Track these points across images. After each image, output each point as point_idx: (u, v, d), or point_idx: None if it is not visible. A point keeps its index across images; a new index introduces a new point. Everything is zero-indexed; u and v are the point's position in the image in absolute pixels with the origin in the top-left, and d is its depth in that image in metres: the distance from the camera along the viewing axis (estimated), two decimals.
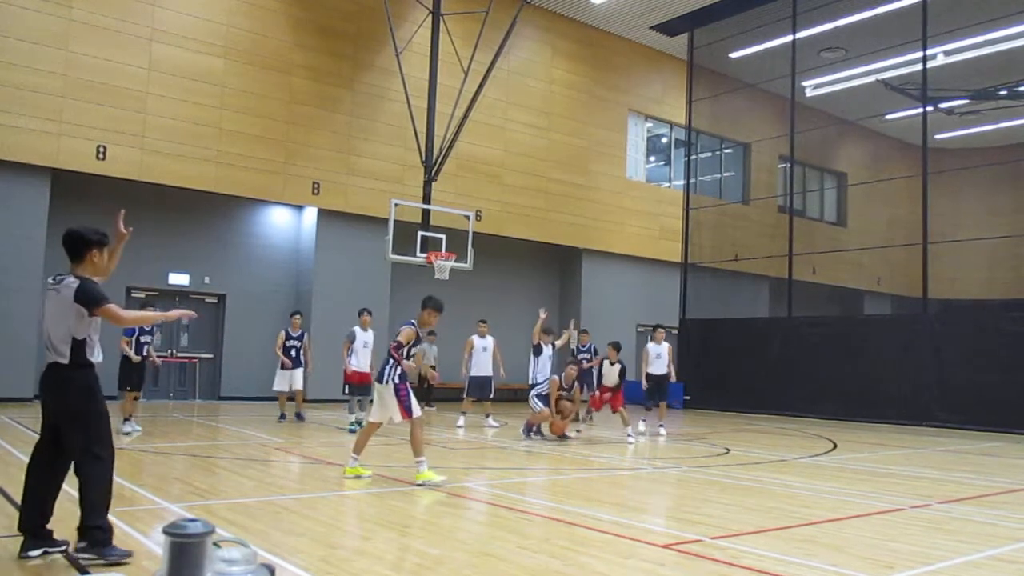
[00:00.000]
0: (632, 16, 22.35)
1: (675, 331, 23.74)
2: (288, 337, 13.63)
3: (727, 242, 22.83)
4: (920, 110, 19.81)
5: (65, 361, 4.45)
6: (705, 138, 24.68)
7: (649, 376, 13.76)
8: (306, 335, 13.88)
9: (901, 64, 21.42)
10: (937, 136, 25.59)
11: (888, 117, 25.30)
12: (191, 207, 17.59)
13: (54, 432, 4.54)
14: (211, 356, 18.29)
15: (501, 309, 21.76)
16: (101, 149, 15.65)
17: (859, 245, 24.72)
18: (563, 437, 11.97)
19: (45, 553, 4.39)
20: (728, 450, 11.59)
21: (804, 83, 22.76)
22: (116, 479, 7.08)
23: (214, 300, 18.41)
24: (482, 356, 13.87)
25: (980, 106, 24.75)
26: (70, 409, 4.46)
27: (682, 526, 6.00)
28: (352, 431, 11.81)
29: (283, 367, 13.51)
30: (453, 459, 9.73)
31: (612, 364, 12.75)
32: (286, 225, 19.24)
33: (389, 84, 18.82)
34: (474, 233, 16.96)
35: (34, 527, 4.42)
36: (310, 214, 18.91)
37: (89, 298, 4.46)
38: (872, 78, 22.79)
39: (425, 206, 16.72)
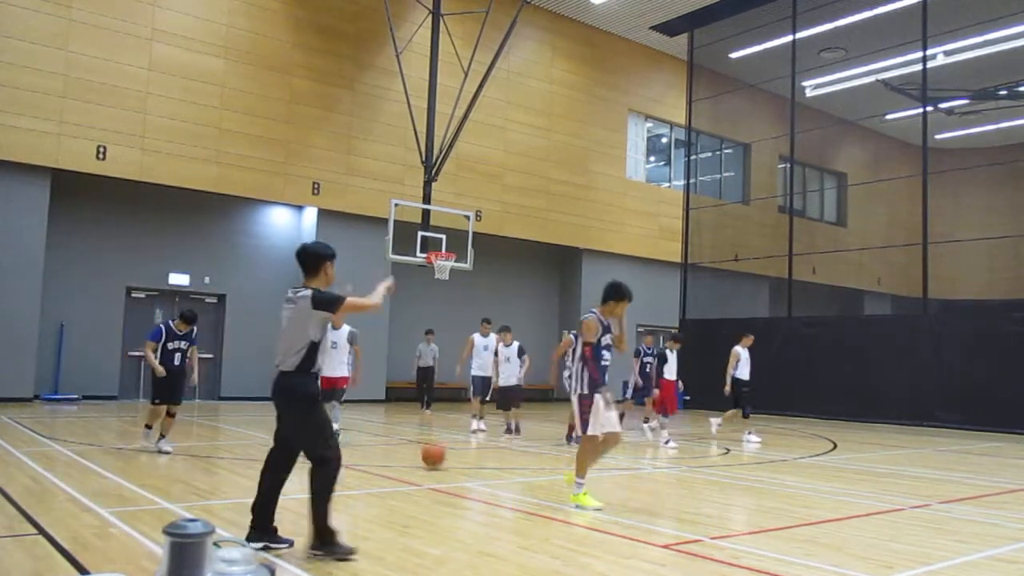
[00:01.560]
0: (632, 16, 22.35)
1: (675, 331, 23.74)
2: None
3: (727, 242, 22.82)
4: (920, 110, 19.81)
5: (292, 369, 4.78)
6: (705, 138, 24.68)
7: (737, 381, 13.09)
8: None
9: (901, 64, 21.42)
10: (937, 136, 25.59)
11: (888, 117, 25.29)
12: (191, 207, 17.60)
13: (284, 437, 4.92)
14: (211, 356, 18.27)
15: (501, 309, 21.75)
16: (101, 149, 15.65)
17: (859, 245, 24.73)
18: (570, 438, 11.48)
19: (267, 547, 4.73)
20: (728, 450, 11.59)
21: (804, 83, 22.76)
22: (116, 479, 7.10)
23: (214, 300, 18.41)
24: (483, 356, 13.26)
25: (980, 106, 24.75)
26: (295, 416, 4.82)
27: (682, 526, 5.99)
28: None
29: None
30: (453, 459, 9.72)
31: (672, 352, 12.44)
32: (286, 225, 19.24)
33: (389, 84, 18.82)
34: (474, 233, 16.96)
35: (260, 523, 4.82)
36: (310, 214, 18.91)
37: (328, 301, 4.81)
38: (872, 78, 22.80)
39: (425, 206, 16.72)
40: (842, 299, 27.44)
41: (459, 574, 4.42)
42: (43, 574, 4.14)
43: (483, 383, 13.23)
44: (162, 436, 9.14)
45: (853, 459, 11.10)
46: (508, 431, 12.48)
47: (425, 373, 17.31)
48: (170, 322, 9.45)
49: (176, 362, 9.28)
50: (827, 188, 28.87)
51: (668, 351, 12.55)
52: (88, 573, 4.15)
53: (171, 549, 2.95)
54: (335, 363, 10.44)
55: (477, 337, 13.50)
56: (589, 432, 6.50)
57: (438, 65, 17.26)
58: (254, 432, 11.65)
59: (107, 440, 10.12)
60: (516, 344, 12.78)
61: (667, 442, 11.67)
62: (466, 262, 16.41)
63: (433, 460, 8.40)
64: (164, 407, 9.22)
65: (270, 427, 12.02)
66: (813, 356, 19.51)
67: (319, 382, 4.97)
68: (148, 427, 9.37)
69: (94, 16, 15.71)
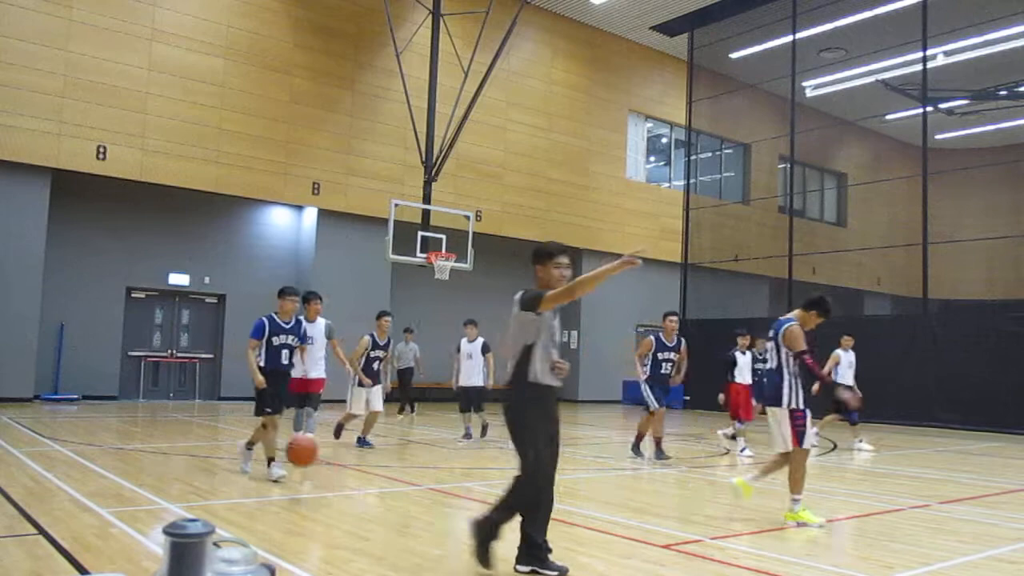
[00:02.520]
0: (632, 16, 22.35)
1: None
2: (374, 346, 10.46)
3: (727, 242, 22.82)
4: (920, 110, 19.80)
5: (510, 376, 4.51)
6: (705, 138, 24.68)
7: (838, 386, 12.01)
8: (391, 342, 10.90)
9: (901, 64, 21.42)
10: (937, 136, 25.60)
11: (888, 117, 25.29)
12: (191, 207, 17.60)
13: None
14: (211, 356, 18.30)
15: (501, 309, 21.71)
16: (101, 149, 15.65)
17: (859, 245, 24.72)
18: (660, 453, 10.07)
19: (534, 572, 4.39)
20: (728, 450, 11.59)
21: (804, 83, 22.75)
22: (116, 479, 7.08)
23: (214, 300, 18.41)
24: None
25: (980, 106, 24.75)
26: (507, 424, 4.51)
27: (682, 526, 5.99)
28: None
29: (361, 384, 10.33)
30: (454, 459, 9.73)
31: (745, 354, 11.71)
32: (286, 225, 19.24)
33: (389, 84, 18.82)
34: (474, 233, 16.95)
35: (529, 546, 4.42)
36: (310, 214, 18.92)
37: (529, 300, 4.46)
38: (872, 78, 22.79)
39: (425, 206, 16.71)
40: (842, 299, 27.39)
41: (459, 574, 4.42)
42: (43, 574, 4.14)
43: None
44: (271, 459, 7.52)
45: (853, 459, 11.10)
46: (467, 435, 11.46)
47: (405, 375, 16.12)
48: (272, 314, 7.73)
49: (284, 360, 7.66)
50: (827, 188, 28.87)
51: (739, 353, 11.86)
52: (88, 573, 4.15)
53: (171, 549, 2.95)
54: (311, 361, 9.05)
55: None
56: (805, 445, 6.26)
57: (438, 65, 17.26)
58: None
59: (107, 440, 10.12)
60: (481, 340, 11.69)
61: (743, 450, 11.07)
62: (466, 262, 16.41)
63: (303, 457, 6.85)
64: (275, 419, 7.65)
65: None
66: (813, 356, 19.49)
67: (536, 393, 4.47)
68: (251, 445, 7.90)
69: (94, 16, 15.71)
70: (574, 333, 23.15)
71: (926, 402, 17.39)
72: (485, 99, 18.22)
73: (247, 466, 7.80)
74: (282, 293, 7.78)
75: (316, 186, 18.25)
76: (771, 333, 6.58)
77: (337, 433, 10.66)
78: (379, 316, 10.71)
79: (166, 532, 3.04)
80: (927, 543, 5.60)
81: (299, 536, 5.24)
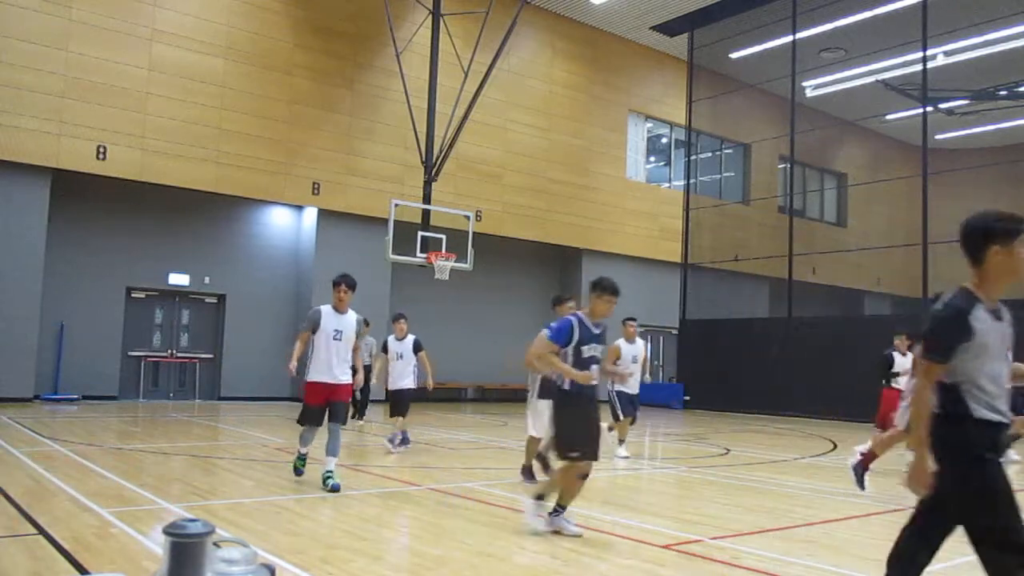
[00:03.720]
0: (632, 16, 22.36)
1: (675, 331, 23.74)
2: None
3: (727, 242, 22.83)
4: (920, 110, 19.83)
5: (939, 408, 3.27)
6: (705, 138, 24.69)
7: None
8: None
9: (901, 64, 21.44)
10: (937, 136, 25.59)
11: (888, 117, 25.30)
12: (191, 207, 17.60)
13: (939, 497, 3.40)
14: (211, 356, 18.29)
15: (501, 309, 21.76)
16: (101, 149, 15.65)
17: (859, 245, 24.73)
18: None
19: None
20: (728, 450, 11.59)
21: (804, 83, 22.76)
22: (116, 479, 7.08)
23: (214, 300, 18.41)
24: (632, 368, 10.10)
25: (980, 106, 24.76)
26: (946, 474, 3.29)
27: (682, 526, 5.99)
28: (299, 472, 7.43)
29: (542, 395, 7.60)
30: (453, 459, 9.73)
31: (905, 355, 9.73)
32: (286, 225, 19.24)
33: (389, 84, 18.82)
34: (474, 233, 16.95)
35: None
36: (310, 214, 18.92)
37: (929, 330, 3.34)
38: (872, 78, 22.80)
39: (425, 206, 16.71)
40: (842, 299, 27.43)
41: (459, 574, 4.43)
42: (43, 574, 4.14)
43: (631, 401, 10.30)
44: (559, 508, 5.48)
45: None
46: (392, 441, 10.13)
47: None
48: (580, 314, 5.65)
49: (595, 379, 5.46)
50: (827, 188, 28.87)
51: (897, 354, 9.89)
52: (88, 573, 4.15)
53: (171, 549, 2.95)
54: (337, 363, 7.20)
55: (623, 344, 10.30)
56: None
57: (438, 65, 17.25)
58: (254, 432, 11.65)
59: (107, 440, 10.12)
60: (411, 338, 10.30)
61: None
62: (466, 262, 16.41)
63: None
64: (583, 465, 5.42)
65: (270, 427, 11.95)
66: (813, 356, 19.50)
67: (983, 432, 3.19)
68: (540, 497, 5.56)
69: (94, 16, 15.70)
70: None
71: None
72: (485, 99, 18.21)
73: (541, 523, 5.47)
74: (598, 288, 5.60)
75: (316, 186, 18.25)
76: None
77: (544, 465, 7.63)
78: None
79: (166, 532, 3.04)
80: None
81: (299, 536, 5.24)
